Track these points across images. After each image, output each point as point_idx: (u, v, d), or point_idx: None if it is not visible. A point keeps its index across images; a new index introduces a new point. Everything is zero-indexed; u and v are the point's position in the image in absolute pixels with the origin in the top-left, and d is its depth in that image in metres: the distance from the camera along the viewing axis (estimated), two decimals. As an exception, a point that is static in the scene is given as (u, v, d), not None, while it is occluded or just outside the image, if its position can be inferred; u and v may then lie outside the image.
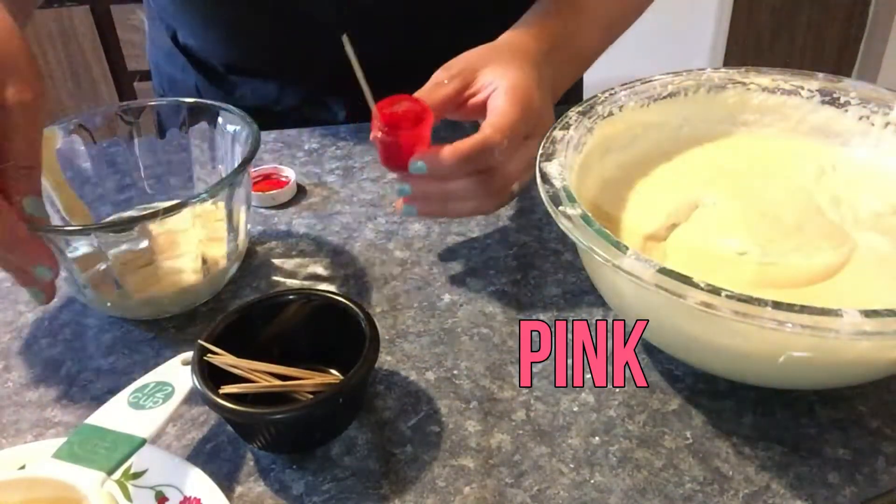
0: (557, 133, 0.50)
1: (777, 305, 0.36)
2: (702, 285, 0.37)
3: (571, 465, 0.43)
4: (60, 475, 0.38)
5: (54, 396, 0.49)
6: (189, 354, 0.44)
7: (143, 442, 0.40)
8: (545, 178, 0.46)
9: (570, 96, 0.69)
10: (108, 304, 0.52)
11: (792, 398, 0.46)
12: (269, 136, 0.74)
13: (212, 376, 0.42)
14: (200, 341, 0.43)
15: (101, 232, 0.48)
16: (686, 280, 0.38)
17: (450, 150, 0.49)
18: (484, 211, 0.54)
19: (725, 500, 0.41)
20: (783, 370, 0.42)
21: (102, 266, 0.50)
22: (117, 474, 0.39)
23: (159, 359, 0.51)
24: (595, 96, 0.54)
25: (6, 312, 0.56)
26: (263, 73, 0.77)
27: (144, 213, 0.48)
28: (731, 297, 0.36)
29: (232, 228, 0.53)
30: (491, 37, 0.58)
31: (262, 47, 0.76)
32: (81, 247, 0.49)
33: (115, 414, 0.42)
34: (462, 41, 0.56)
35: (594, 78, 0.73)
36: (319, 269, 0.58)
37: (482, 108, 0.53)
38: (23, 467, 0.41)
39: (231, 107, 0.57)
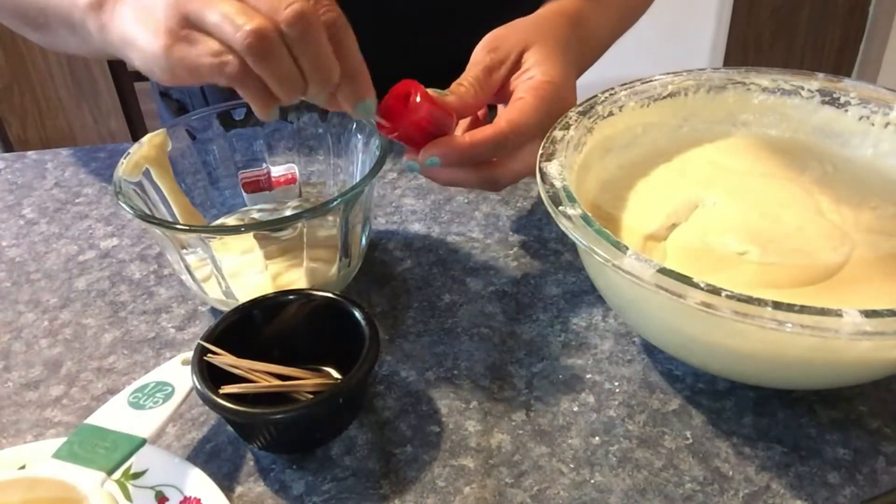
0: (557, 133, 0.50)
1: (777, 305, 0.36)
2: (702, 285, 0.37)
3: (571, 465, 0.43)
4: (60, 475, 0.38)
5: (54, 396, 0.49)
6: (189, 354, 0.44)
7: (143, 442, 0.40)
8: (545, 178, 0.46)
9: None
10: (211, 297, 0.53)
11: (792, 398, 0.46)
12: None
13: (212, 376, 0.42)
14: (200, 341, 0.43)
15: (257, 230, 0.49)
16: (686, 280, 0.38)
17: (463, 144, 0.49)
18: (489, 189, 0.55)
19: (725, 500, 0.41)
20: (783, 370, 0.42)
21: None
22: (117, 474, 0.39)
23: (159, 359, 0.51)
24: (595, 96, 0.54)
25: (6, 312, 0.56)
26: None
27: (294, 212, 0.49)
28: (731, 297, 0.36)
29: (345, 237, 0.53)
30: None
31: None
32: (199, 248, 0.50)
33: (115, 414, 0.42)
34: (474, 38, 0.56)
35: (594, 78, 0.73)
36: (319, 269, 0.58)
37: (511, 94, 0.53)
38: (23, 467, 0.41)
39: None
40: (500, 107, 0.56)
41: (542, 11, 0.59)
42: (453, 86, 0.52)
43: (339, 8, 0.42)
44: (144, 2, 0.43)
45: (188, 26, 0.41)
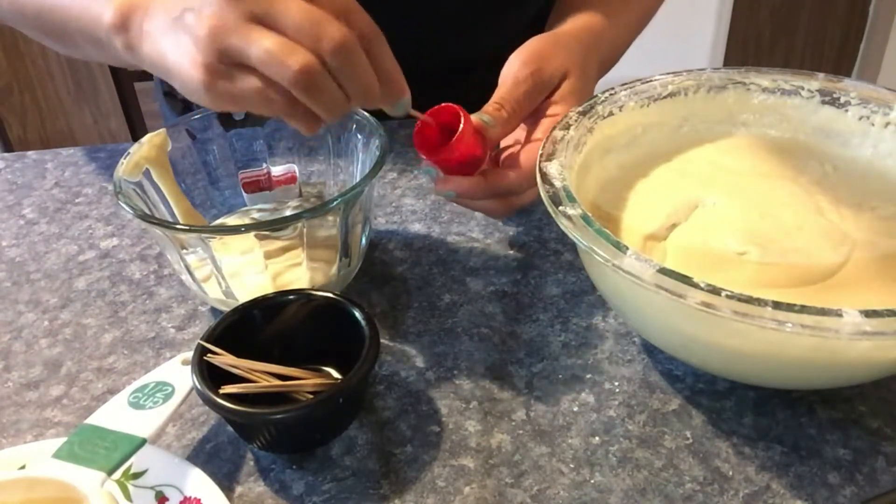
0: (557, 133, 0.50)
1: (777, 305, 0.36)
2: (702, 285, 0.37)
3: (571, 465, 0.43)
4: (60, 475, 0.38)
5: (54, 396, 0.49)
6: (189, 354, 0.44)
7: (143, 442, 0.40)
8: (545, 178, 0.46)
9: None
10: (211, 297, 0.53)
11: (792, 398, 0.46)
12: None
13: (212, 376, 0.42)
14: (200, 341, 0.43)
15: (257, 230, 0.49)
16: (686, 280, 0.38)
17: (481, 188, 0.51)
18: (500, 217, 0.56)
19: (725, 500, 0.41)
20: (783, 370, 0.42)
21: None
22: (117, 474, 0.39)
23: (159, 359, 0.51)
24: (595, 96, 0.54)
25: (6, 312, 0.56)
26: None
27: (295, 212, 0.49)
28: (731, 297, 0.36)
29: (345, 237, 0.53)
30: (513, 33, 0.58)
31: None
32: (200, 248, 0.50)
33: (115, 414, 0.42)
34: (481, 44, 0.56)
35: (594, 78, 0.73)
36: (319, 269, 0.58)
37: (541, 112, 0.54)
38: (23, 467, 0.41)
39: (365, 113, 0.56)
40: None
41: (572, 30, 0.59)
42: (493, 110, 0.52)
43: (368, 16, 0.42)
44: (174, 27, 0.42)
45: (227, 62, 0.40)
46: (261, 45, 0.39)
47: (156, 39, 0.43)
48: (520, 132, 0.55)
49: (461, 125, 0.49)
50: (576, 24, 0.60)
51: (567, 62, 0.55)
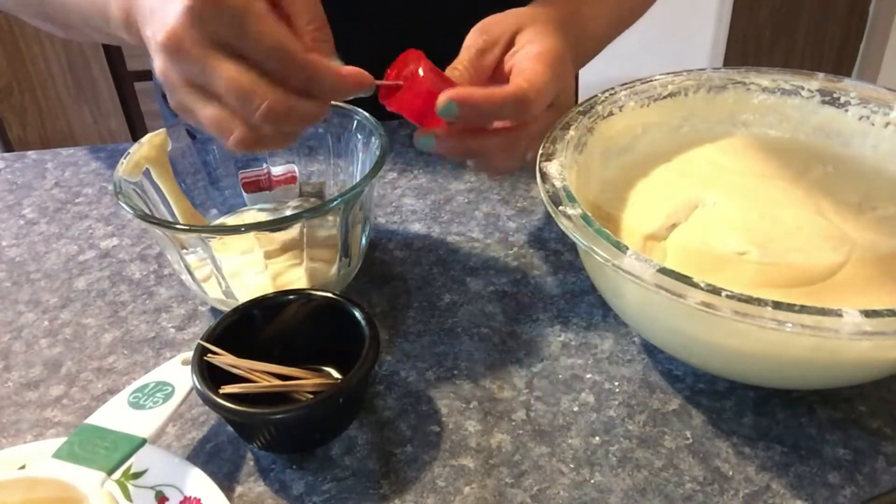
0: (557, 133, 0.50)
1: (777, 305, 0.36)
2: (702, 285, 0.37)
3: (571, 465, 0.43)
4: (60, 475, 0.38)
5: (54, 396, 0.49)
6: (189, 354, 0.44)
7: (143, 442, 0.40)
8: (545, 178, 0.46)
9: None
10: (211, 297, 0.53)
11: (792, 398, 0.46)
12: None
13: (212, 376, 0.42)
14: (200, 341, 0.43)
15: (257, 230, 0.49)
16: (686, 280, 0.38)
17: (484, 95, 0.46)
18: (495, 170, 0.53)
19: (725, 500, 0.41)
20: (783, 370, 0.42)
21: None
22: (117, 474, 0.39)
23: (159, 359, 0.51)
24: (595, 96, 0.54)
25: (6, 312, 0.56)
26: None
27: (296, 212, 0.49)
28: (731, 297, 0.36)
29: (345, 237, 0.53)
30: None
31: None
32: (200, 248, 0.50)
33: (115, 414, 0.42)
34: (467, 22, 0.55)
35: (594, 78, 0.73)
36: (319, 269, 0.58)
37: (508, 74, 0.51)
38: (23, 467, 0.41)
39: (364, 113, 0.56)
40: None
41: (534, 4, 0.58)
42: (448, 70, 0.51)
43: (297, 57, 0.42)
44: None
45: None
46: (203, 113, 0.42)
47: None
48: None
49: (419, 62, 0.47)
50: (539, 2, 0.58)
51: (518, 20, 0.53)
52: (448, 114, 0.46)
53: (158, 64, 0.41)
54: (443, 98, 0.45)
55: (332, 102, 0.57)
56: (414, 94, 0.46)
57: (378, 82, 0.46)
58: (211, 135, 0.43)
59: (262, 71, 0.40)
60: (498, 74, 0.53)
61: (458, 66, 0.51)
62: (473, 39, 0.52)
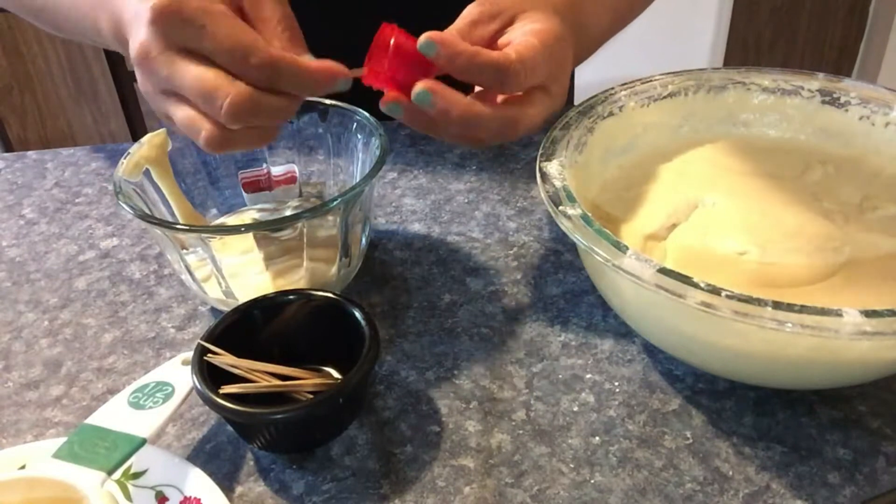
0: (557, 133, 0.50)
1: (777, 305, 0.36)
2: (702, 285, 0.37)
3: (571, 465, 0.43)
4: (60, 475, 0.38)
5: (54, 396, 0.49)
6: (189, 354, 0.44)
7: (143, 442, 0.40)
8: (545, 178, 0.46)
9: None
10: (211, 297, 0.53)
11: (792, 398, 0.46)
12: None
13: (212, 376, 0.42)
14: (200, 341, 0.43)
15: (257, 230, 0.49)
16: (686, 280, 0.38)
17: (465, 44, 0.45)
18: (502, 136, 0.48)
19: (725, 500, 0.41)
20: (783, 370, 0.42)
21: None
22: (117, 474, 0.39)
23: (159, 359, 0.51)
24: (595, 96, 0.54)
25: (6, 312, 0.56)
26: None
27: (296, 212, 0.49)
28: (731, 297, 0.36)
29: (345, 237, 0.52)
30: None
31: None
32: (200, 248, 0.50)
33: (115, 414, 0.42)
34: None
35: (594, 78, 0.73)
36: (319, 269, 0.58)
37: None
38: (23, 467, 0.41)
39: (365, 113, 0.56)
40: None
41: None
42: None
43: (264, 51, 0.42)
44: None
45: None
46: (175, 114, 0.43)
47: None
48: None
49: (395, 34, 0.44)
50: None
51: (522, 2, 0.51)
52: (427, 48, 0.44)
53: (137, 77, 0.43)
54: (425, 37, 0.44)
55: (332, 102, 0.58)
56: (391, 73, 0.45)
57: (353, 73, 0.44)
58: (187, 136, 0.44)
59: (227, 71, 0.41)
60: (495, 49, 0.49)
61: (446, 34, 0.47)
62: (469, 10, 0.50)
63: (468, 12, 0.50)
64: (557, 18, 0.51)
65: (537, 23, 0.49)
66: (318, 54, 0.45)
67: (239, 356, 0.43)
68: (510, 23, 0.50)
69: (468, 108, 0.45)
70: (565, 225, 0.42)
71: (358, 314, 0.45)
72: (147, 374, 0.45)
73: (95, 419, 0.41)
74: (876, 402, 0.46)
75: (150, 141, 0.54)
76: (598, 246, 0.40)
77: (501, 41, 0.49)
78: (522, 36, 0.48)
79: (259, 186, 0.61)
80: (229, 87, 0.41)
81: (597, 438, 0.44)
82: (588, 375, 0.48)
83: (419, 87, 0.44)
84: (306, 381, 0.44)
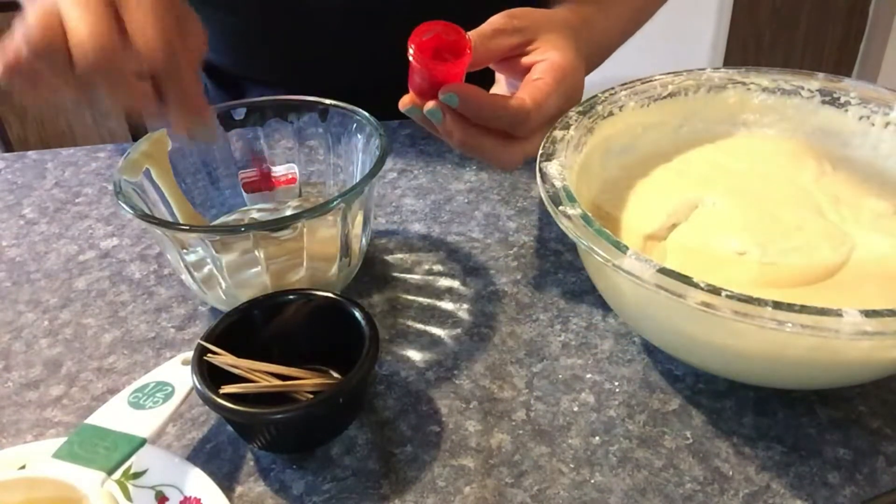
0: (557, 133, 0.50)
1: (777, 305, 0.36)
2: (702, 285, 0.37)
3: (571, 465, 0.43)
4: (60, 475, 0.38)
5: (54, 396, 0.49)
6: (189, 354, 0.44)
7: (143, 442, 0.40)
8: (545, 178, 0.46)
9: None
10: (211, 297, 0.53)
11: (792, 398, 0.46)
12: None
13: (212, 376, 0.42)
14: (200, 341, 0.43)
15: (257, 230, 0.49)
16: (686, 280, 0.38)
17: (487, 97, 0.48)
18: (497, 163, 0.52)
19: (725, 500, 0.41)
20: (783, 370, 0.42)
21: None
22: (117, 474, 0.39)
23: (159, 359, 0.51)
24: (595, 96, 0.54)
25: (6, 312, 0.56)
26: (272, 80, 0.77)
27: (296, 212, 0.49)
28: (731, 297, 0.36)
29: (345, 237, 0.52)
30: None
31: (268, 55, 0.76)
32: (200, 248, 0.50)
33: (115, 414, 0.42)
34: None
35: (594, 78, 0.73)
36: (319, 269, 0.58)
37: (523, 70, 0.52)
38: (23, 467, 0.41)
39: (365, 113, 0.56)
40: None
41: (553, 10, 0.58)
42: None
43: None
44: None
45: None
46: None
47: None
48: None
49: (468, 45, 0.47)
50: (565, 6, 0.60)
51: (546, 21, 0.53)
52: (448, 102, 0.48)
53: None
54: (445, 90, 0.47)
55: (333, 102, 0.58)
56: (419, 78, 0.48)
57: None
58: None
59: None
60: (513, 65, 0.53)
61: (468, 88, 0.50)
62: (497, 18, 0.52)
63: (496, 20, 0.52)
64: (573, 46, 0.53)
65: (556, 52, 0.52)
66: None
67: (239, 356, 0.43)
68: (530, 41, 0.53)
69: (471, 138, 0.49)
70: (565, 225, 0.42)
71: (358, 314, 0.45)
72: (147, 374, 0.45)
73: (95, 419, 0.41)
74: (876, 402, 0.46)
75: (150, 141, 0.54)
76: (598, 246, 0.40)
77: (525, 61, 0.52)
78: (540, 72, 0.51)
79: (259, 186, 0.61)
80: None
81: (597, 438, 0.44)
82: (588, 375, 0.48)
83: (430, 105, 0.48)
84: (306, 381, 0.44)
